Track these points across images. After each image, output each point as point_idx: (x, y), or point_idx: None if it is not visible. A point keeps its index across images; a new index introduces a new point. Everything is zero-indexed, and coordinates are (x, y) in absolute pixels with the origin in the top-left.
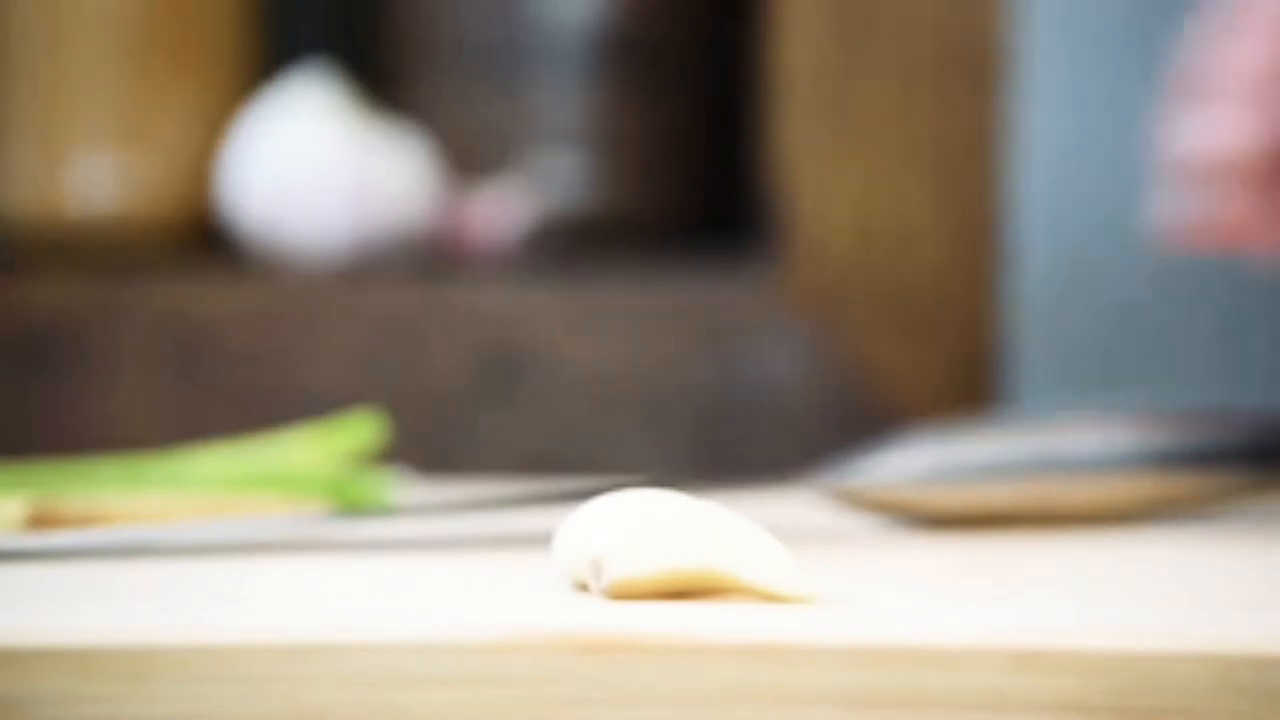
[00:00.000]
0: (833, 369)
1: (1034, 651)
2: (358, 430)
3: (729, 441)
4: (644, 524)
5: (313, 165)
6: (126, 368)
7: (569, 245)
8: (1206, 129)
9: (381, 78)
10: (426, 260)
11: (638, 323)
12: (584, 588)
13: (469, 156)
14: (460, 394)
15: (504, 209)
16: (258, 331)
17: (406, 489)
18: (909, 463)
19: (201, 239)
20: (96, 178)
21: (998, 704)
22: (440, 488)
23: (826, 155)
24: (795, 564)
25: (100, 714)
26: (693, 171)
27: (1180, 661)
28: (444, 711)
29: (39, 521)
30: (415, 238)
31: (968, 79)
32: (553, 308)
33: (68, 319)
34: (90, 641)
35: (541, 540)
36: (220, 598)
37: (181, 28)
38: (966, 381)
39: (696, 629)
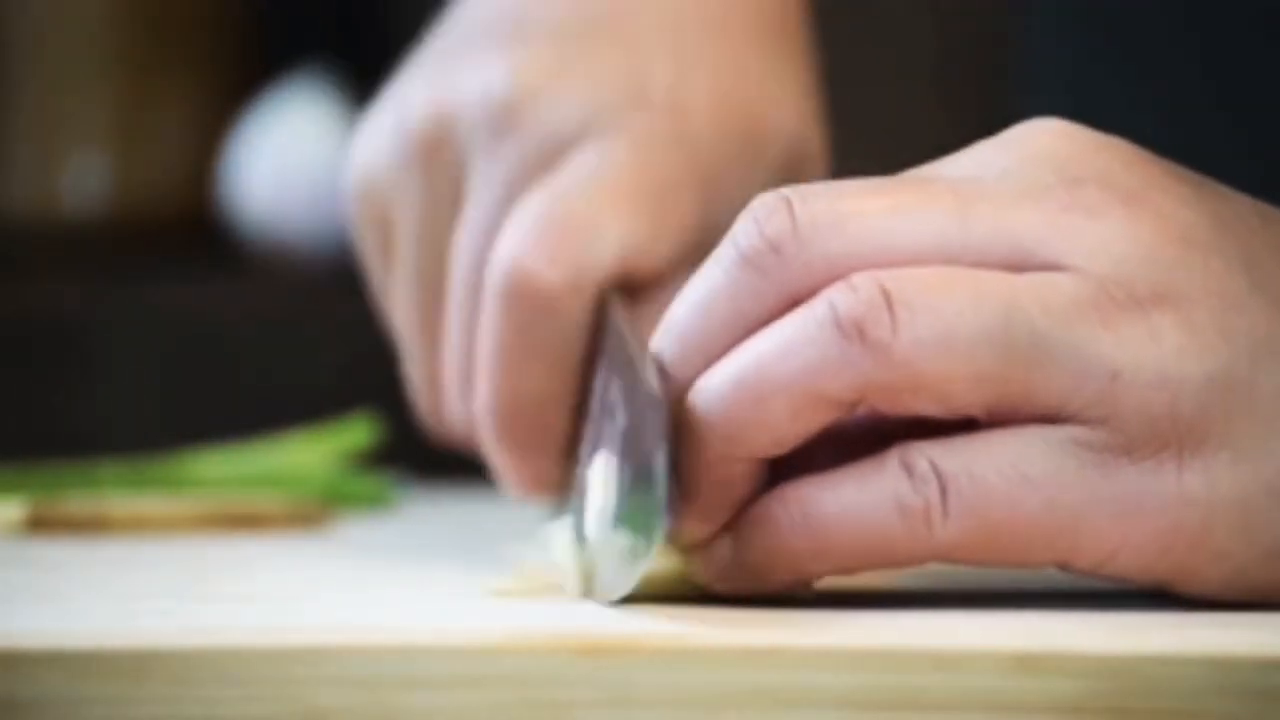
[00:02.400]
0: None
1: (1034, 653)
2: (357, 430)
3: None
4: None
5: (311, 165)
6: (126, 368)
7: None
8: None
9: (381, 78)
10: None
11: None
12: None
13: None
14: None
15: None
16: (257, 331)
17: (405, 489)
18: None
19: (201, 239)
20: (95, 178)
21: (997, 705)
22: (439, 488)
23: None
24: None
25: (100, 714)
26: None
27: (1180, 663)
28: (444, 712)
29: (39, 522)
30: None
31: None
32: None
33: (68, 319)
34: (90, 643)
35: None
36: (220, 598)
37: (180, 29)
38: None
39: (696, 629)
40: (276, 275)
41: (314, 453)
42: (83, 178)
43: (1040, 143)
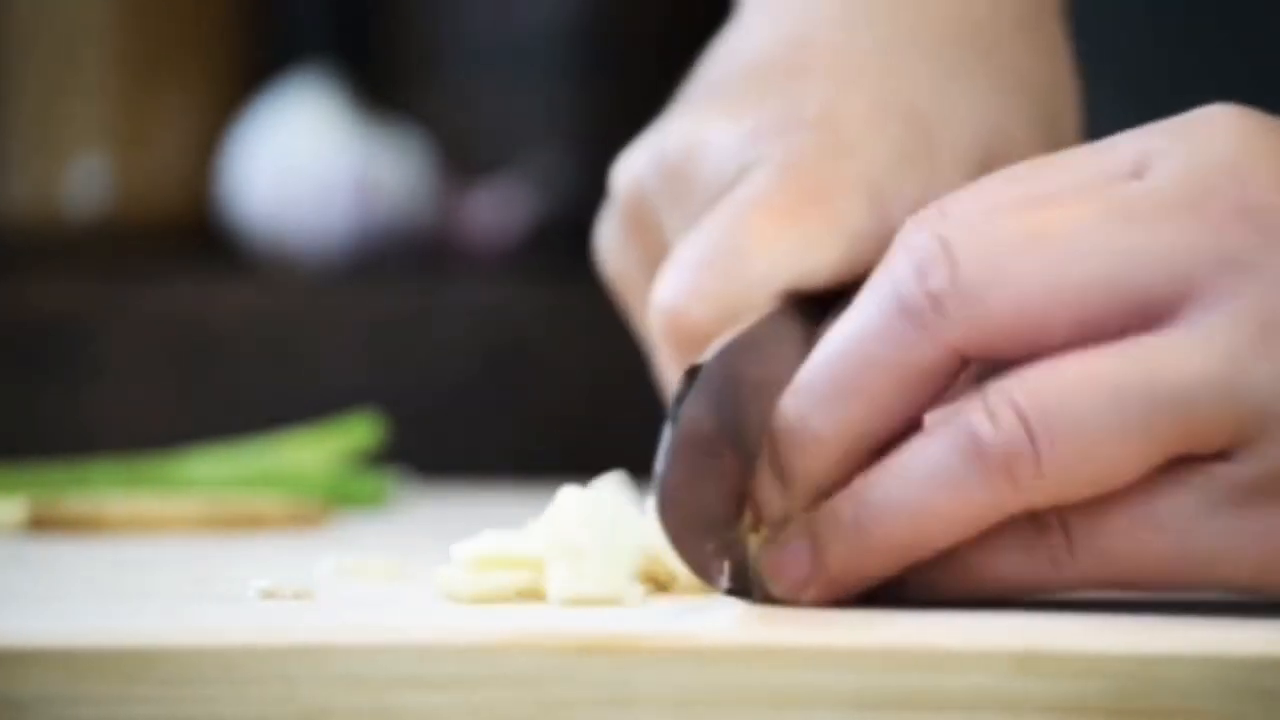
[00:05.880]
0: None
1: (1034, 653)
2: (358, 430)
3: None
4: None
5: (312, 165)
6: (126, 368)
7: (568, 244)
8: None
9: (381, 78)
10: (425, 259)
11: None
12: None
13: (468, 156)
14: (459, 393)
15: (503, 208)
16: (258, 331)
17: (405, 489)
18: None
19: (201, 239)
20: (96, 179)
21: (997, 705)
22: (439, 487)
23: None
24: None
25: (100, 715)
26: None
27: (1180, 662)
28: (444, 712)
29: (39, 521)
30: (414, 237)
31: None
32: (552, 307)
33: (68, 319)
34: (90, 642)
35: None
36: (220, 598)
37: (181, 30)
38: None
39: (696, 629)
40: (276, 276)
41: (314, 453)
42: (83, 179)
43: (1218, 136)
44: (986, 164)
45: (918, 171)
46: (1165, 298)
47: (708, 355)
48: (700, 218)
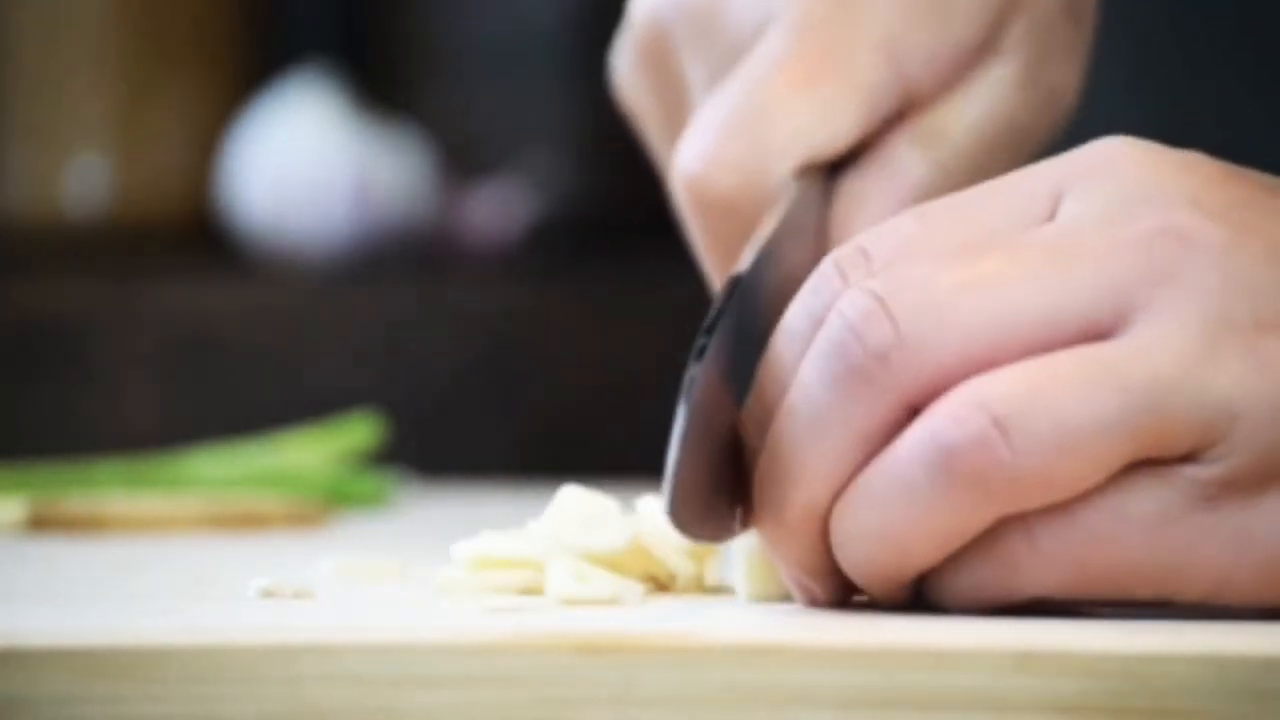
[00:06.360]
0: None
1: (1033, 652)
2: (357, 430)
3: None
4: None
5: (312, 165)
6: (126, 368)
7: (567, 244)
8: None
9: (381, 78)
10: (425, 259)
11: (636, 321)
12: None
13: (468, 156)
14: (459, 393)
15: (502, 208)
16: (258, 331)
17: (405, 488)
18: None
19: (201, 239)
20: (96, 178)
21: (997, 704)
22: (439, 487)
23: None
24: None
25: (100, 714)
26: None
27: (1180, 662)
28: (444, 712)
29: (39, 521)
30: (413, 237)
31: None
32: (551, 306)
33: (67, 319)
34: (90, 641)
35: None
36: (220, 598)
37: (180, 29)
38: None
39: (696, 629)
40: (276, 276)
41: (314, 453)
42: (83, 178)
43: (1125, 170)
44: (1003, 13)
45: (933, 22)
46: (1107, 319)
47: (744, 264)
48: (721, 71)
